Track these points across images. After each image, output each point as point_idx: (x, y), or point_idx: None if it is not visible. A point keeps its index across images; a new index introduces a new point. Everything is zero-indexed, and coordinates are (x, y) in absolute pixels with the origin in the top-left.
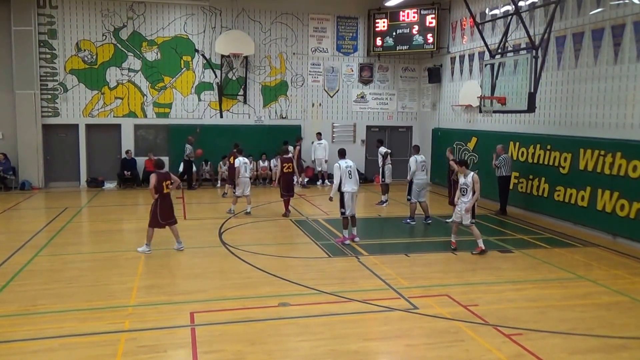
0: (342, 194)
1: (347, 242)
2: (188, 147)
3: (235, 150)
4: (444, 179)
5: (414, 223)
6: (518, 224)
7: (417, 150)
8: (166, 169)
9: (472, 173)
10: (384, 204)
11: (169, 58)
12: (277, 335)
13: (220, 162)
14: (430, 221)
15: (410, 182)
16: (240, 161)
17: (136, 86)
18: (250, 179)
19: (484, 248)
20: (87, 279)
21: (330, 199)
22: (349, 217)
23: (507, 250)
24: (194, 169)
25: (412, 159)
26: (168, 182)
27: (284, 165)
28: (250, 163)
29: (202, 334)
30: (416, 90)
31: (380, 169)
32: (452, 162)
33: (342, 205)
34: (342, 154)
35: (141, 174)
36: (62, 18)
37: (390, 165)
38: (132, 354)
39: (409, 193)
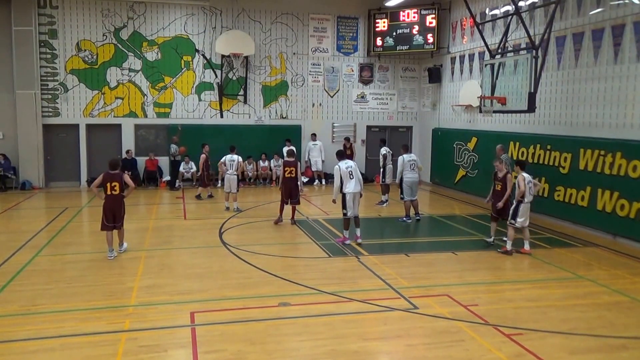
0: (343, 195)
1: (348, 242)
2: (173, 147)
3: (203, 150)
4: (446, 179)
5: (409, 221)
6: None
7: (405, 149)
8: (166, 169)
9: (521, 174)
10: (384, 204)
11: (169, 58)
12: (278, 335)
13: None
14: (419, 218)
15: (401, 182)
16: (227, 158)
17: (136, 86)
18: (250, 179)
19: (508, 249)
20: (87, 278)
21: (334, 201)
22: (352, 218)
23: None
24: (182, 169)
25: (399, 159)
26: (114, 183)
27: (285, 169)
28: (250, 163)
29: (202, 333)
30: (416, 90)
31: (381, 170)
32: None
33: (344, 206)
34: (340, 155)
35: (142, 174)
36: (63, 18)
37: (390, 166)
38: (132, 354)
39: (402, 192)
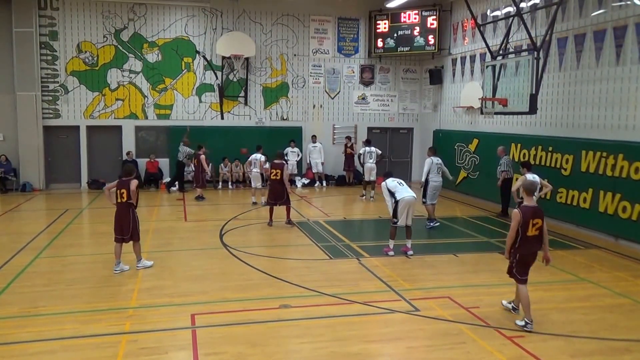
0: (396, 203)
1: (392, 253)
2: (185, 150)
3: (200, 152)
4: (447, 180)
5: (437, 224)
6: None
7: (433, 152)
8: (166, 171)
9: (523, 175)
10: (363, 197)
11: (169, 59)
12: (278, 337)
13: (221, 164)
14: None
15: (426, 184)
16: (252, 157)
17: (137, 88)
18: (262, 175)
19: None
20: (88, 280)
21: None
22: (404, 228)
23: None
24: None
25: (427, 161)
26: (122, 190)
27: (271, 171)
28: (265, 162)
29: (203, 335)
30: (417, 92)
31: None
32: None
33: (395, 214)
34: (389, 175)
35: (142, 176)
36: (63, 19)
37: (369, 165)
38: (133, 356)
39: (424, 196)
